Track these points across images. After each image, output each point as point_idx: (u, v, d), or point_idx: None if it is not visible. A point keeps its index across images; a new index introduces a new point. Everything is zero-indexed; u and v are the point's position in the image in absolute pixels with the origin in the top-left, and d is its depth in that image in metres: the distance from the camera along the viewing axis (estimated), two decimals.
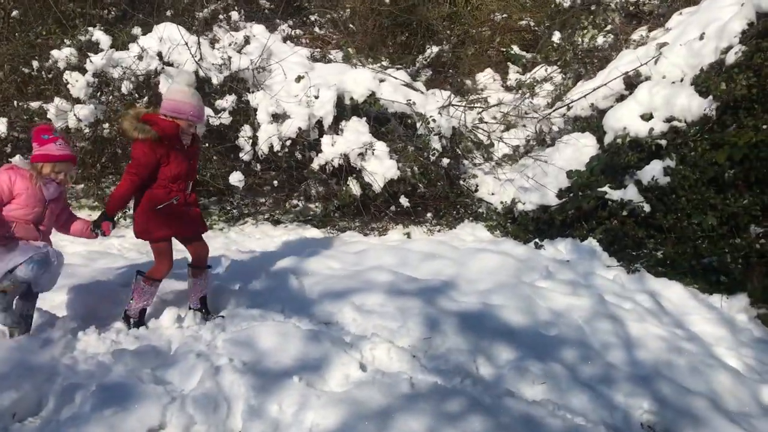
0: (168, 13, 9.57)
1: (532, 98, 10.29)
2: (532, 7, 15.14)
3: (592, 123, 7.73)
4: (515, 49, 14.12)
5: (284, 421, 3.52)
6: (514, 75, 13.47)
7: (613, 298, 5.70)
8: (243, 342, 4.20)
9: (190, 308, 4.93)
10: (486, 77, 13.83)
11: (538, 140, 8.92)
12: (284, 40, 9.82)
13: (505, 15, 15.09)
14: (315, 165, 7.60)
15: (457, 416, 3.65)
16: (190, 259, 4.94)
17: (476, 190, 8.34)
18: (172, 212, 4.51)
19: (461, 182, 8.38)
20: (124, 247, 6.91)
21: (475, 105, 9.35)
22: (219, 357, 3.97)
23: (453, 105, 8.24)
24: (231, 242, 7.16)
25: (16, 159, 4.16)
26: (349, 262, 6.13)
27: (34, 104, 7.93)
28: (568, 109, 8.37)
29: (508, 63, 14.07)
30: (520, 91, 11.29)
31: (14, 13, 9.49)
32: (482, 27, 15.07)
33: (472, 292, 5.50)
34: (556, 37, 12.77)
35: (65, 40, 8.36)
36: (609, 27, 11.37)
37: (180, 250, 4.97)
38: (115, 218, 4.63)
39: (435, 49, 14.09)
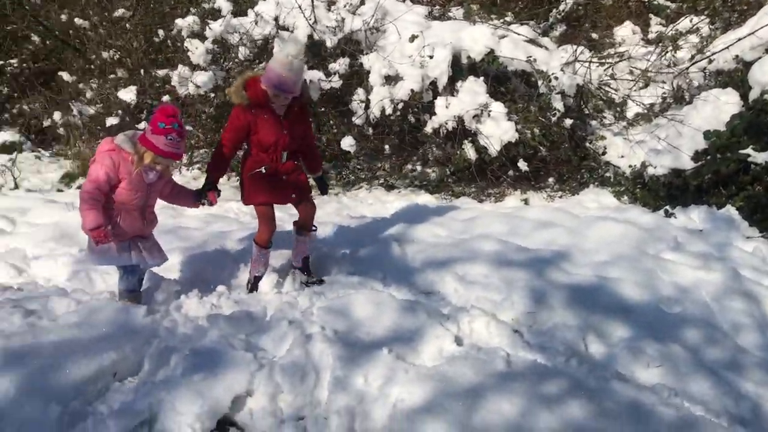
0: None
1: (674, 52, 9.40)
2: None
3: (736, 78, 6.90)
4: None
5: (370, 394, 3.40)
6: (656, 27, 12.44)
7: (750, 273, 5.09)
8: (337, 310, 4.12)
9: (292, 267, 4.95)
10: (625, 30, 12.86)
11: (676, 98, 8.14)
12: None
13: None
14: (428, 128, 7.36)
15: (554, 399, 3.37)
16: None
17: (604, 153, 7.76)
18: (264, 180, 4.50)
19: (587, 144, 7.83)
20: (242, 211, 7.06)
21: (605, 60, 8.66)
22: (312, 325, 3.92)
23: (579, 61, 7.66)
24: (343, 207, 7.13)
25: (120, 137, 4.10)
26: (456, 229, 5.89)
27: (161, 72, 8.23)
28: (710, 62, 7.53)
29: (650, 14, 13.01)
30: (660, 45, 10.37)
31: None
32: None
33: (587, 263, 5.10)
34: None
35: (191, 9, 8.60)
36: None
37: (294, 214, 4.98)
38: (218, 185, 4.64)
39: (569, 1, 13.30)
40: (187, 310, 4.27)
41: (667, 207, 6.39)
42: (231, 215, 6.92)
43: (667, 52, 9.47)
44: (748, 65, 6.73)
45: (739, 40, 6.91)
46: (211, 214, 6.77)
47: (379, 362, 3.59)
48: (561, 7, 12.98)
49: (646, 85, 8.78)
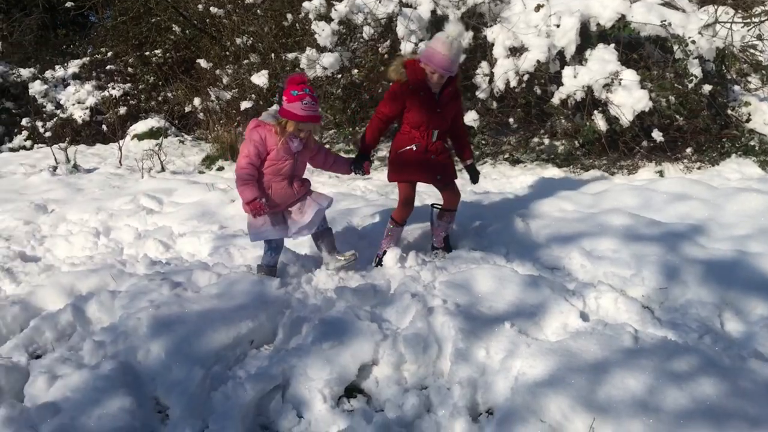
0: None
1: None
2: None
3: None
4: None
5: (491, 367, 3.42)
6: None
7: None
8: (459, 284, 4.15)
9: (433, 247, 5.04)
10: None
11: None
12: None
13: None
14: (555, 99, 7.18)
15: (684, 376, 3.24)
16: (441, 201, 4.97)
17: (748, 120, 7.25)
18: (411, 158, 4.59)
19: (729, 111, 7.33)
20: (368, 189, 7.24)
21: (750, 20, 8.03)
22: (434, 298, 3.97)
23: (719, 22, 7.15)
24: (466, 182, 7.05)
25: (263, 115, 4.34)
26: (585, 203, 5.73)
27: (291, 55, 8.54)
28: None
29: None
30: None
31: None
32: None
33: (725, 237, 4.82)
34: None
35: None
36: None
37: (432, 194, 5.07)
38: (371, 157, 4.85)
39: None
40: (317, 283, 4.47)
41: None
42: (358, 193, 7.11)
43: None
44: None
45: None
46: (340, 192, 7.00)
47: (500, 335, 3.60)
48: None
49: None
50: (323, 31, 7.47)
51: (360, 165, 4.64)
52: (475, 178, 5.11)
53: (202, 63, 10.48)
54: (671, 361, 3.37)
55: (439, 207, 4.92)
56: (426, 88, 4.45)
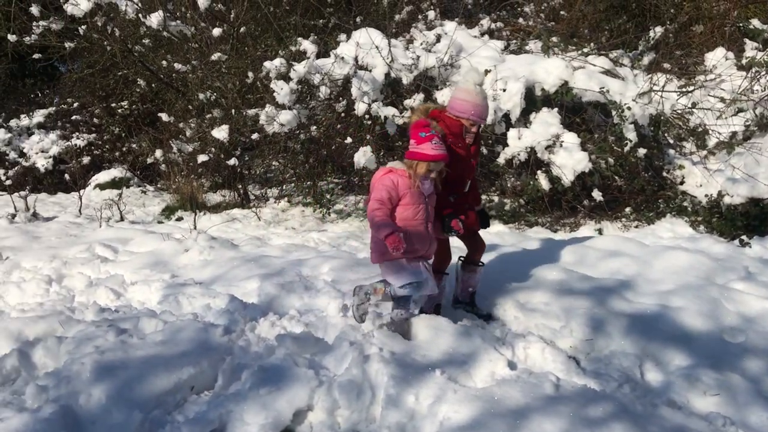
0: (361, 18, 10.07)
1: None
2: None
3: None
4: (754, 23, 12.63)
5: (419, 412, 3.60)
6: (752, 53, 12.07)
7: None
8: (396, 334, 4.35)
9: (457, 301, 5.02)
10: (717, 56, 12.54)
11: (760, 125, 7.95)
12: (483, 34, 9.81)
13: None
14: (501, 159, 7.54)
15: (598, 422, 3.46)
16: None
17: (682, 183, 7.68)
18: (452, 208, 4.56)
19: (665, 174, 7.76)
20: (321, 241, 7.45)
21: (682, 89, 8.55)
22: (371, 346, 4.14)
23: (654, 91, 7.64)
24: None
25: (391, 163, 4.35)
26: (524, 259, 6.01)
27: (251, 111, 8.82)
28: None
29: (745, 39, 12.64)
30: (753, 71, 10.10)
31: (242, 29, 10.60)
32: (717, 1, 13.73)
33: (650, 292, 5.12)
34: None
35: (279, 51, 9.20)
36: None
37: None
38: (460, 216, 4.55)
39: (659, 30, 13.15)
40: (261, 331, 4.63)
41: (743, 236, 6.27)
42: (311, 244, 7.31)
43: (757, 77, 9.23)
44: None
45: None
46: (294, 243, 7.20)
47: (431, 382, 3.78)
48: (650, 36, 12.89)
49: (739, 112, 8.59)
50: (282, 90, 7.77)
51: (449, 225, 4.45)
52: (486, 222, 5.05)
53: (164, 117, 10.72)
54: (587, 408, 3.59)
55: (463, 258, 4.96)
56: (462, 139, 4.45)
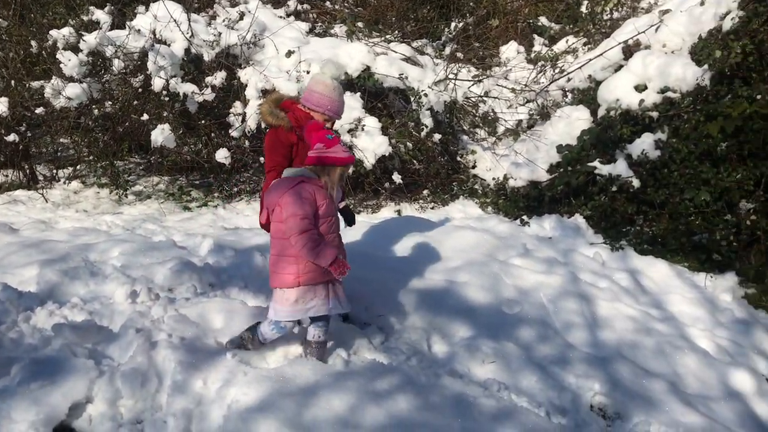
0: None
1: (554, 71, 9.97)
2: None
3: (588, 96, 7.47)
4: (542, 20, 13.73)
5: (207, 397, 3.54)
6: (539, 47, 13.13)
7: (589, 276, 5.53)
8: (188, 319, 4.21)
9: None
10: (510, 50, 13.49)
11: (542, 114, 8.68)
12: (289, 15, 9.73)
13: None
14: None
15: (384, 395, 3.60)
16: None
17: (474, 167, 8.18)
18: None
19: (459, 158, 8.22)
20: (114, 224, 7.02)
21: (476, 78, 9.12)
22: (159, 333, 3.99)
23: (449, 79, 8.05)
24: (219, 219, 7.21)
25: (292, 171, 3.82)
26: None
27: (35, 84, 8.08)
28: (568, 81, 8.10)
29: (534, 35, 13.71)
30: (539, 64, 11.00)
31: None
32: None
33: (440, 269, 5.41)
34: (584, 6, 12.41)
35: (69, 21, 8.49)
36: None
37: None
38: None
39: (461, 22, 13.90)
40: (37, 322, 4.26)
41: (524, 216, 6.82)
42: (103, 227, 6.87)
43: (543, 70, 10.08)
44: (598, 84, 7.29)
45: (589, 61, 7.47)
46: (83, 227, 6.71)
47: (220, 366, 3.73)
48: (452, 27, 13.59)
49: (527, 102, 9.32)
50: (69, 61, 7.19)
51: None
52: (351, 220, 4.73)
53: None
54: (375, 382, 3.73)
55: None
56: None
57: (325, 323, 3.90)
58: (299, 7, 10.46)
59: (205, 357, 3.80)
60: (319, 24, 9.94)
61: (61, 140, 9.57)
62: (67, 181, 8.99)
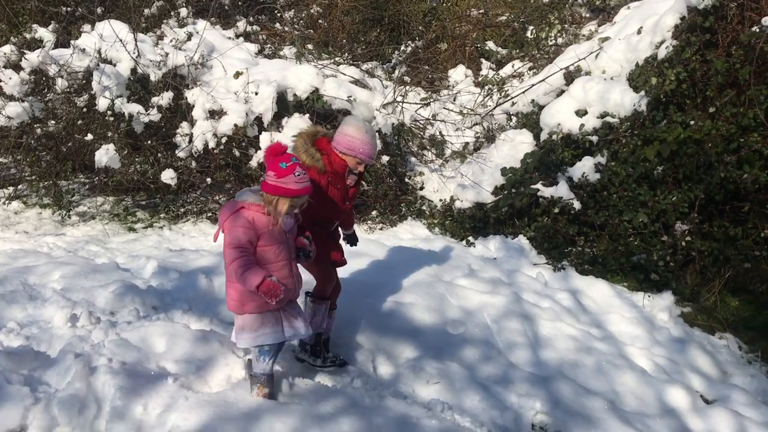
0: (103, 9, 9.54)
1: (500, 94, 10.16)
2: (512, 3, 15.11)
3: (531, 120, 7.67)
4: (490, 44, 14.04)
5: (148, 422, 3.48)
6: (486, 71, 13.39)
7: (531, 296, 5.65)
8: (130, 343, 4.15)
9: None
10: (458, 73, 13.74)
11: (488, 137, 8.85)
12: (238, 36, 9.74)
13: (482, 11, 15.10)
14: (254, 162, 7.54)
15: (327, 418, 3.60)
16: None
17: (422, 188, 8.28)
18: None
19: (407, 180, 8.31)
20: (56, 246, 6.86)
21: (427, 101, 9.26)
22: (99, 357, 3.91)
23: (398, 102, 8.16)
24: (164, 240, 7.11)
25: (242, 195, 3.68)
26: None
27: None
28: (512, 105, 8.29)
29: (482, 59, 13.99)
30: (486, 88, 11.21)
31: None
32: (459, 23, 15.05)
33: (387, 290, 5.45)
34: (530, 32, 12.73)
35: (11, 38, 8.32)
36: (570, 22, 11.30)
37: None
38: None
39: (410, 45, 14.16)
40: None
41: (470, 237, 6.93)
42: (44, 249, 6.70)
43: (490, 94, 10.28)
44: (541, 108, 7.49)
45: (532, 86, 7.67)
46: (22, 249, 6.54)
47: (162, 391, 3.67)
48: (402, 49, 13.81)
49: (475, 125, 9.48)
50: (10, 80, 7.05)
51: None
52: (354, 242, 4.85)
53: None
54: (319, 405, 3.73)
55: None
56: (342, 180, 4.11)
57: (272, 352, 3.80)
58: (248, 28, 10.49)
59: (146, 382, 3.74)
60: (269, 45, 9.96)
61: (1, 160, 9.32)
62: (7, 202, 8.75)
